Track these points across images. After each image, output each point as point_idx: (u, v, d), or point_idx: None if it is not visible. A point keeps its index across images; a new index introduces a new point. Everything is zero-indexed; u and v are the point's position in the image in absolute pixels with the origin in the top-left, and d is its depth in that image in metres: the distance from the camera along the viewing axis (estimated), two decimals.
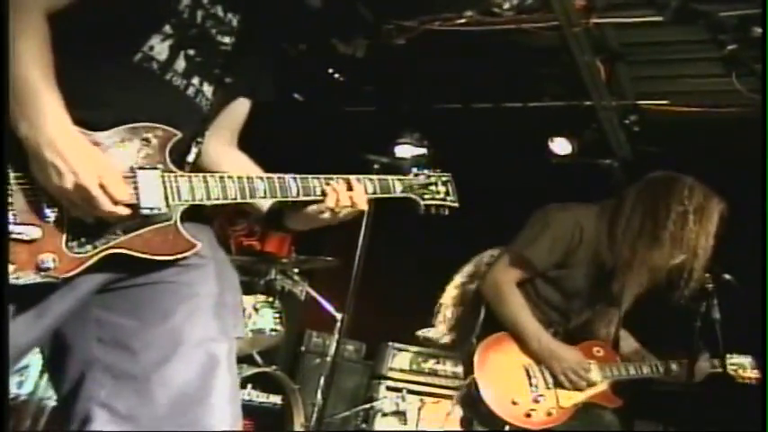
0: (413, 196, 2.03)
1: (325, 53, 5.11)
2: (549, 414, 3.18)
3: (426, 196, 2.04)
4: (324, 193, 1.82)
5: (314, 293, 5.23)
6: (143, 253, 1.61)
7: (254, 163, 1.97)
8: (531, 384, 3.19)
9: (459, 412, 3.34)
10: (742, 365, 3.53)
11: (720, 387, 3.43)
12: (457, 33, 4.81)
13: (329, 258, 4.96)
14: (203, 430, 1.60)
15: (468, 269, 3.60)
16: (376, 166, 4.43)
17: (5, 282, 1.44)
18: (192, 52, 1.75)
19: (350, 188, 1.86)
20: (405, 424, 5.65)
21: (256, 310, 4.61)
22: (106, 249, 1.57)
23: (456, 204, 2.09)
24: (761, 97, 3.80)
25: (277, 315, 4.68)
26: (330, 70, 5.49)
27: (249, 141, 2.07)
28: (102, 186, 1.50)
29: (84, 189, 1.48)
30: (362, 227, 4.44)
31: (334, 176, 1.86)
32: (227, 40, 1.83)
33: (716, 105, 5.12)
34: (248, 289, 4.71)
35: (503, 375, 3.18)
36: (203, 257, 1.74)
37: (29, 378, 3.77)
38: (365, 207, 1.90)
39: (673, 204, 3.18)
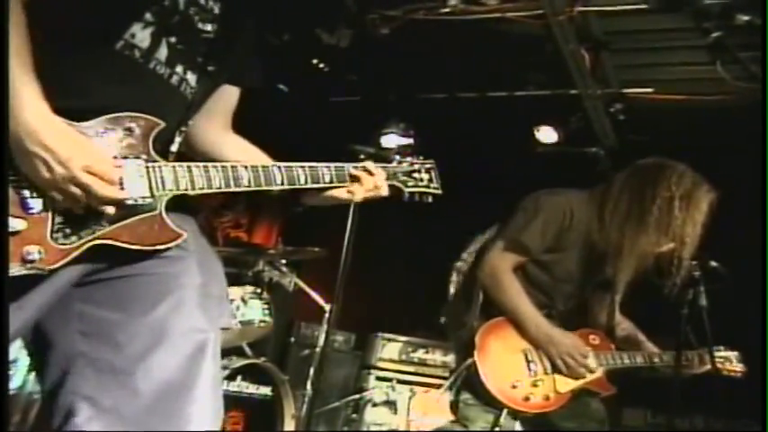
0: (397, 184, 2.08)
1: (309, 43, 5.08)
2: (547, 398, 3.23)
3: (410, 184, 2.10)
4: (351, 179, 1.95)
5: (302, 284, 5.22)
6: (129, 243, 1.59)
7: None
8: (529, 369, 3.23)
9: (447, 398, 3.35)
10: (728, 359, 3.58)
11: (707, 378, 3.46)
12: (441, 22, 4.80)
13: (317, 249, 4.93)
14: (186, 421, 1.60)
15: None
16: (362, 156, 4.40)
17: (5, 281, 1.43)
18: (173, 40, 1.73)
19: (370, 173, 1.98)
20: (395, 414, 5.66)
21: (245, 301, 4.58)
22: (92, 240, 1.55)
23: (439, 191, 2.15)
24: (761, 87, 3.83)
25: (265, 306, 4.66)
26: (314, 60, 5.48)
27: (235, 132, 2.06)
28: (91, 173, 1.49)
29: (74, 178, 1.47)
30: (350, 216, 4.43)
31: (331, 164, 1.94)
32: (208, 27, 1.82)
33: (701, 93, 5.14)
34: (236, 280, 4.69)
35: (502, 360, 3.22)
36: (186, 249, 1.73)
37: (17, 372, 3.74)
38: (386, 192, 2.01)
39: (659, 190, 3.20)
